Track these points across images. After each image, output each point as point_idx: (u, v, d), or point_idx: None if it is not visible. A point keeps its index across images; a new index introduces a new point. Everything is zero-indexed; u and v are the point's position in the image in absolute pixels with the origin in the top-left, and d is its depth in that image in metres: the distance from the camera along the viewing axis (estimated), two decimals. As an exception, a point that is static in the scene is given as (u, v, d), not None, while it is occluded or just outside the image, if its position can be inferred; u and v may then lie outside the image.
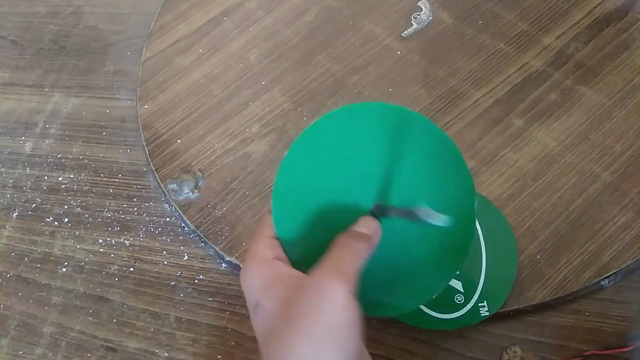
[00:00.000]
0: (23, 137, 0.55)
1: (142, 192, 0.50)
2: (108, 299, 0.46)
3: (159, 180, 0.49)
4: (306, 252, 0.31)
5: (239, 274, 0.45)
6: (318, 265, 0.28)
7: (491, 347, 0.40)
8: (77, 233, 0.49)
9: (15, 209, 0.51)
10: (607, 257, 0.41)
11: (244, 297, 0.44)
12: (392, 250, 0.32)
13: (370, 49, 0.54)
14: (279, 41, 0.56)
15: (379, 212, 0.32)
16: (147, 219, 0.49)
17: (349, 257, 0.29)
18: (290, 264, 0.31)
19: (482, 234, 0.41)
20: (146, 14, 0.61)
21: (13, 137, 0.55)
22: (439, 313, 0.39)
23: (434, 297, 0.32)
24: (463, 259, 0.32)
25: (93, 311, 0.45)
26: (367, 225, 0.31)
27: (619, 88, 0.49)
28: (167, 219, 0.49)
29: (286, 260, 0.31)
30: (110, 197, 0.50)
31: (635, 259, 0.41)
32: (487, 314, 0.39)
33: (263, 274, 0.30)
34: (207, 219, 0.46)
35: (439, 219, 0.28)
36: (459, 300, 0.39)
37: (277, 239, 0.32)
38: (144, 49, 0.57)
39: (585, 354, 0.38)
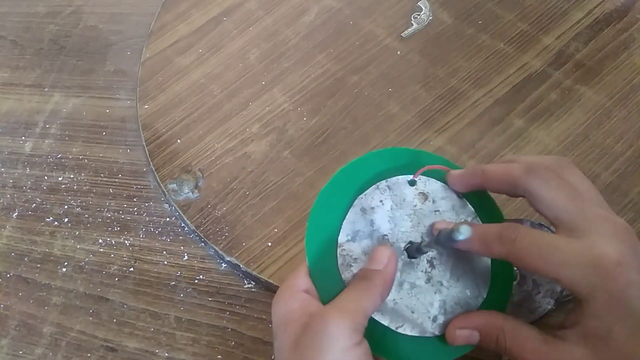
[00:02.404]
0: (23, 137, 0.55)
1: (142, 192, 0.50)
2: (108, 299, 0.46)
3: (159, 180, 0.49)
4: (333, 288, 0.30)
5: (239, 274, 0.45)
6: (327, 304, 0.28)
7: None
8: (77, 233, 0.49)
9: (15, 209, 0.51)
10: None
11: (244, 297, 0.44)
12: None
13: (370, 49, 0.54)
14: (279, 41, 0.56)
15: (412, 251, 0.31)
16: (147, 219, 0.49)
17: (353, 294, 0.29)
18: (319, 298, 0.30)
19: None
20: (146, 14, 0.61)
21: (13, 137, 0.55)
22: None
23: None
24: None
25: (93, 311, 0.45)
26: (378, 259, 0.30)
27: (619, 88, 0.49)
28: (167, 219, 0.49)
29: (316, 295, 0.30)
30: (110, 197, 0.50)
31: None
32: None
33: (287, 305, 0.29)
34: (207, 219, 0.46)
35: (463, 231, 0.28)
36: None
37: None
38: (144, 49, 0.57)
39: None
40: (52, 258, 0.48)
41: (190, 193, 0.48)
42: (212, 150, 0.50)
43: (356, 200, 0.32)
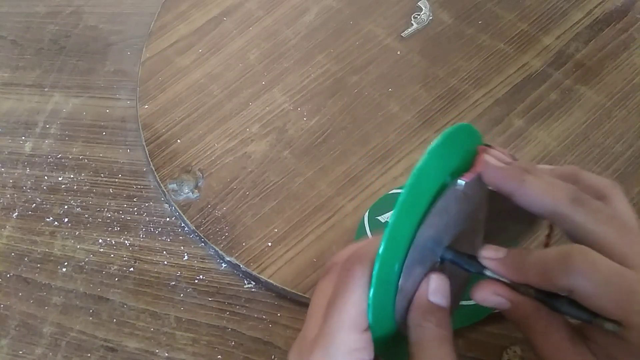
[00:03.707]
0: (23, 137, 0.55)
1: (142, 192, 0.50)
2: (108, 299, 0.46)
3: (159, 180, 0.49)
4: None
5: (239, 274, 0.45)
6: None
7: (491, 347, 0.40)
8: (77, 233, 0.49)
9: (15, 209, 0.51)
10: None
11: (244, 297, 0.44)
12: None
13: (370, 49, 0.54)
14: (279, 41, 0.56)
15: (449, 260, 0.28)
16: (147, 219, 0.49)
17: (443, 351, 0.25)
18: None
19: None
20: (146, 14, 0.61)
21: (13, 137, 0.55)
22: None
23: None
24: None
25: (93, 311, 0.45)
26: (442, 291, 0.27)
27: (619, 88, 0.49)
28: (167, 219, 0.49)
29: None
30: (110, 197, 0.50)
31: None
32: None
33: None
34: (207, 219, 0.46)
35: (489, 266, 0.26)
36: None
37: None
38: (144, 49, 0.57)
39: None
40: (52, 258, 0.48)
41: (190, 193, 0.48)
42: (212, 150, 0.50)
43: (418, 233, 0.26)
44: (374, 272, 0.24)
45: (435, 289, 0.27)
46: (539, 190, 0.26)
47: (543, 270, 0.25)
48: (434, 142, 0.26)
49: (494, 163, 0.27)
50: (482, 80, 0.51)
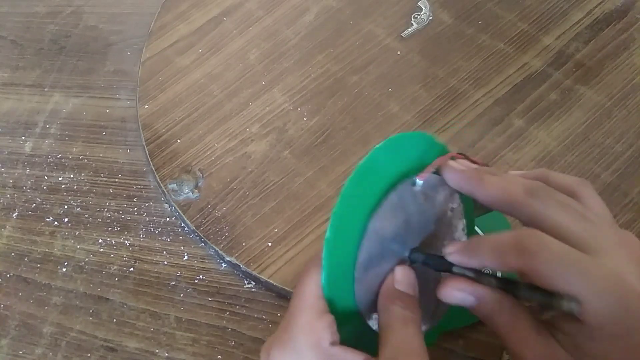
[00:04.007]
0: (23, 137, 0.55)
1: (142, 192, 0.50)
2: (108, 299, 0.46)
3: (159, 180, 0.49)
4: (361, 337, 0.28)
5: (239, 274, 0.45)
6: (383, 350, 0.26)
7: (491, 347, 0.40)
8: (77, 233, 0.49)
9: (15, 209, 0.51)
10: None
11: (244, 297, 0.44)
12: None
13: (370, 49, 0.54)
14: (279, 41, 0.56)
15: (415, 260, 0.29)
16: (147, 219, 0.49)
17: (411, 330, 0.27)
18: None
19: (483, 232, 0.41)
20: (146, 14, 0.61)
21: (13, 137, 0.55)
22: None
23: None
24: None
25: (93, 311, 0.45)
26: (408, 282, 0.28)
27: (619, 88, 0.49)
28: (167, 219, 0.49)
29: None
30: (110, 197, 0.50)
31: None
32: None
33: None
34: (207, 219, 0.46)
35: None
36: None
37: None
38: (144, 49, 0.57)
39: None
40: (52, 258, 0.48)
41: (190, 193, 0.48)
42: (212, 150, 0.50)
43: (370, 224, 0.28)
44: (323, 255, 0.26)
45: (401, 278, 0.28)
46: (495, 186, 0.27)
47: (498, 252, 0.26)
48: (382, 142, 0.28)
49: (455, 166, 0.29)
50: (482, 80, 0.51)
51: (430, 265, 0.28)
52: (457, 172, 0.29)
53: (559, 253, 0.24)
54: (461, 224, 0.32)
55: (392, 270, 0.29)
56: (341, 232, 0.27)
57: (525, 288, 0.25)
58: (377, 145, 0.28)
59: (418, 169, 0.29)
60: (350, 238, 0.27)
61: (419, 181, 0.29)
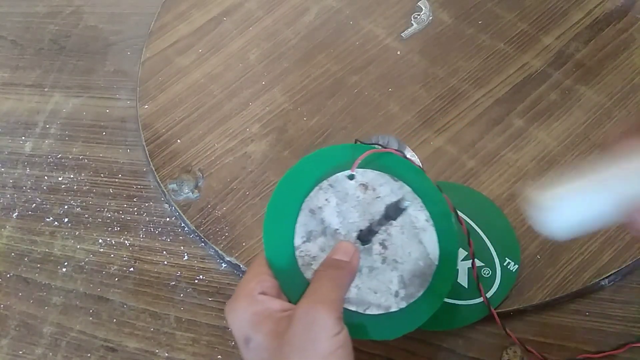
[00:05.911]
0: (23, 137, 0.55)
1: (142, 192, 0.50)
2: (108, 299, 0.46)
3: (159, 180, 0.49)
4: (300, 288, 0.32)
5: (239, 274, 0.45)
6: (303, 297, 0.30)
7: (491, 347, 0.40)
8: (77, 233, 0.49)
9: (15, 209, 0.51)
10: (607, 257, 0.41)
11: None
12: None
13: (370, 49, 0.54)
14: (279, 41, 0.56)
15: (365, 235, 0.34)
16: (147, 219, 0.49)
17: (330, 285, 0.31)
18: (279, 297, 0.31)
19: (483, 232, 0.41)
20: (146, 14, 0.61)
21: (13, 137, 0.55)
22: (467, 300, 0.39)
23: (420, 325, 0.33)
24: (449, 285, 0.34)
25: (93, 311, 0.45)
26: (344, 251, 0.32)
27: (619, 88, 0.49)
28: (167, 219, 0.49)
29: (275, 295, 0.31)
30: (110, 197, 0.50)
31: (635, 259, 0.41)
32: (517, 266, 0.40)
33: (250, 309, 0.30)
34: (207, 219, 0.46)
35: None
36: (486, 274, 0.40)
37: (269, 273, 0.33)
38: (144, 49, 0.57)
39: (578, 357, 0.38)
40: (52, 258, 0.48)
41: (190, 193, 0.48)
42: (212, 150, 0.50)
43: (303, 204, 0.34)
44: (265, 217, 0.34)
45: (339, 249, 0.32)
46: None
47: None
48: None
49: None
50: (482, 80, 0.51)
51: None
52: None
53: None
54: (423, 214, 0.35)
55: None
56: (278, 208, 0.34)
57: None
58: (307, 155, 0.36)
59: (348, 166, 0.35)
60: (286, 214, 0.34)
61: (350, 173, 0.35)
